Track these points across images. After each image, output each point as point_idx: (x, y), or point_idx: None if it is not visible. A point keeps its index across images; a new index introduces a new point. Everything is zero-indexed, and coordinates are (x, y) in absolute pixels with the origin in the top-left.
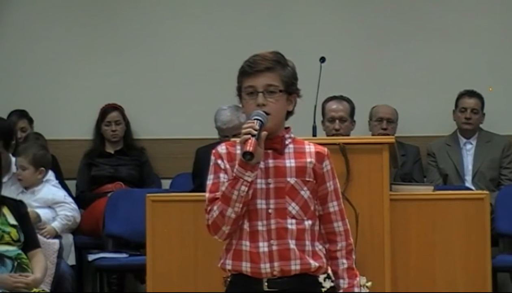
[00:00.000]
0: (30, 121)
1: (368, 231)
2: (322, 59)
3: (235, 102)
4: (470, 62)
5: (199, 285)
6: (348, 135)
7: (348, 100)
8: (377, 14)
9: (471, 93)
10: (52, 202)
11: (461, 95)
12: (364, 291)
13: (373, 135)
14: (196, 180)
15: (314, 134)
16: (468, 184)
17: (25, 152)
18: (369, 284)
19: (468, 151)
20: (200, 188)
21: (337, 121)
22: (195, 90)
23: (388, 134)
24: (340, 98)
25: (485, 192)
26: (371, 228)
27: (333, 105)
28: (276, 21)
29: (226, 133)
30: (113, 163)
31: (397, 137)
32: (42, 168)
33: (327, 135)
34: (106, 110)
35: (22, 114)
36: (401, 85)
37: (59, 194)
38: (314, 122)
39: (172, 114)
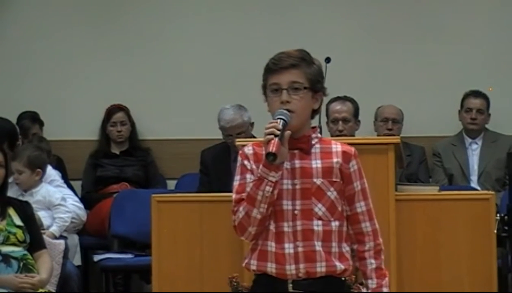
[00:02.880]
0: (41, 124)
1: None
2: (328, 60)
3: (241, 102)
4: (476, 63)
5: (205, 285)
6: (352, 135)
7: (352, 101)
8: (382, 15)
9: (476, 94)
10: (48, 204)
11: (467, 96)
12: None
13: (378, 135)
14: (201, 181)
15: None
16: (474, 184)
17: (20, 156)
18: None
19: (474, 151)
20: (204, 189)
21: (340, 122)
22: (200, 91)
23: (393, 135)
24: (344, 99)
25: (490, 192)
26: None
27: (336, 106)
28: (281, 21)
29: (230, 132)
30: (118, 164)
31: (403, 138)
32: (39, 169)
33: (332, 136)
34: (111, 111)
35: (34, 118)
36: (406, 85)
37: (56, 196)
38: (320, 123)
39: (178, 115)
